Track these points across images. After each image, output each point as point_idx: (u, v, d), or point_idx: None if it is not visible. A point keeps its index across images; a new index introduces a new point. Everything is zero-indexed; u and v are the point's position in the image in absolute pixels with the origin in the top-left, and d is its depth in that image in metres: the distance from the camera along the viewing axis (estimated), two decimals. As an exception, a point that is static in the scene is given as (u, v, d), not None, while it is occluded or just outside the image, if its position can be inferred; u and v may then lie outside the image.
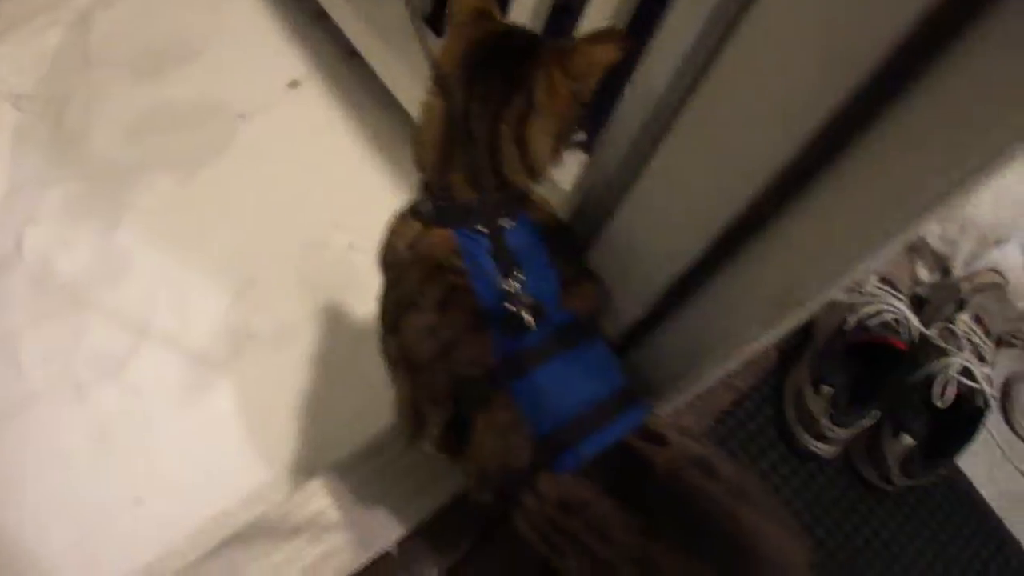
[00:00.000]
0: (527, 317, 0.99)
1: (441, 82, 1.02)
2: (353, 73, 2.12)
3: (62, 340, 1.81)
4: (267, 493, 1.66)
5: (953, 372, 1.68)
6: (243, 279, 1.87)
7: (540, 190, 1.13)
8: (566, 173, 1.34)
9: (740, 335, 1.04)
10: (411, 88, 1.81)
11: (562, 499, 0.99)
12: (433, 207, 1.06)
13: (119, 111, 2.08)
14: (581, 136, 1.68)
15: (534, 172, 1.06)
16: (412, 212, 1.11)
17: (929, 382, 1.70)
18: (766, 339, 1.04)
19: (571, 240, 1.19)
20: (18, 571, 1.62)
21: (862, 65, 0.70)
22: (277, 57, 2.15)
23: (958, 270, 1.92)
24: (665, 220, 1.06)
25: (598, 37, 1.01)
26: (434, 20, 1.75)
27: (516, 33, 1.06)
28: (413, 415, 1.15)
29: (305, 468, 1.68)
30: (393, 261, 1.12)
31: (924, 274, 1.94)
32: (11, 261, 1.89)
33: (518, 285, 0.99)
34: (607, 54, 1.00)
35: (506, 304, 0.99)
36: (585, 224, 1.21)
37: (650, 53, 0.97)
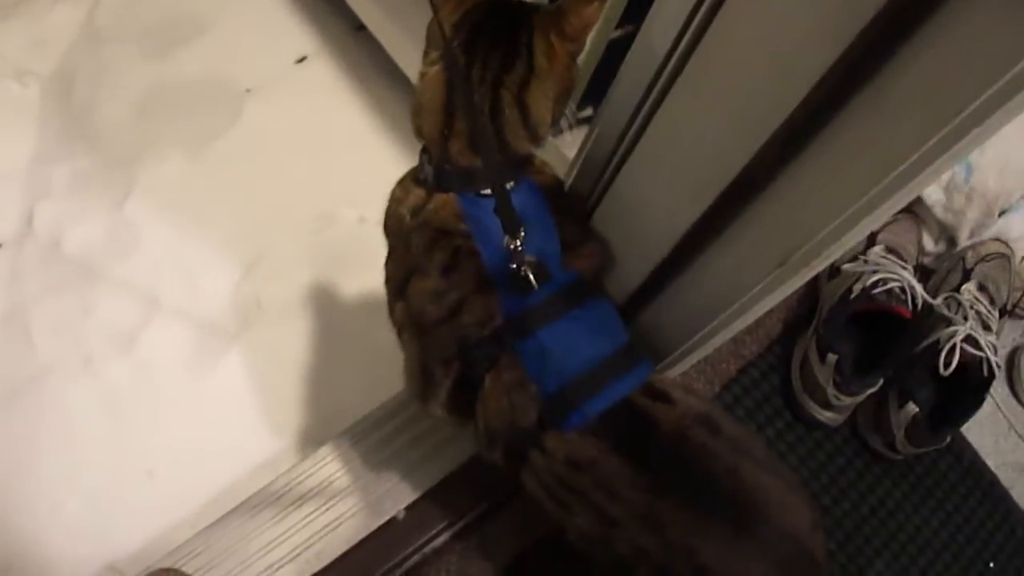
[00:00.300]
0: (531, 276, 1.00)
1: (440, 50, 1.03)
2: (361, 47, 2.13)
3: (72, 314, 1.82)
4: (277, 463, 1.67)
5: (958, 340, 1.69)
6: (252, 253, 1.88)
7: (544, 156, 1.14)
8: (572, 147, 1.35)
9: (744, 297, 1.04)
10: (418, 62, 1.82)
11: (570, 457, 1.01)
12: (435, 173, 1.07)
13: (127, 87, 2.09)
14: (588, 113, 1.69)
15: (536, 136, 1.07)
16: (414, 179, 1.13)
17: (934, 351, 1.70)
18: (770, 302, 1.04)
19: (573, 202, 1.22)
20: (32, 543, 1.63)
21: (856, 23, 0.71)
22: (284, 32, 2.15)
23: (963, 240, 1.92)
24: (667, 182, 1.07)
25: None
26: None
27: (505, 1, 1.06)
28: (422, 377, 1.15)
29: (314, 438, 1.70)
30: (397, 228, 1.13)
31: (930, 244, 1.94)
32: (22, 236, 1.90)
33: (522, 245, 1.00)
34: (598, 12, 1.01)
35: (511, 264, 1.00)
36: (588, 189, 1.22)
37: (651, 15, 0.97)
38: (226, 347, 1.79)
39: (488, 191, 1.04)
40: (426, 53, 1.08)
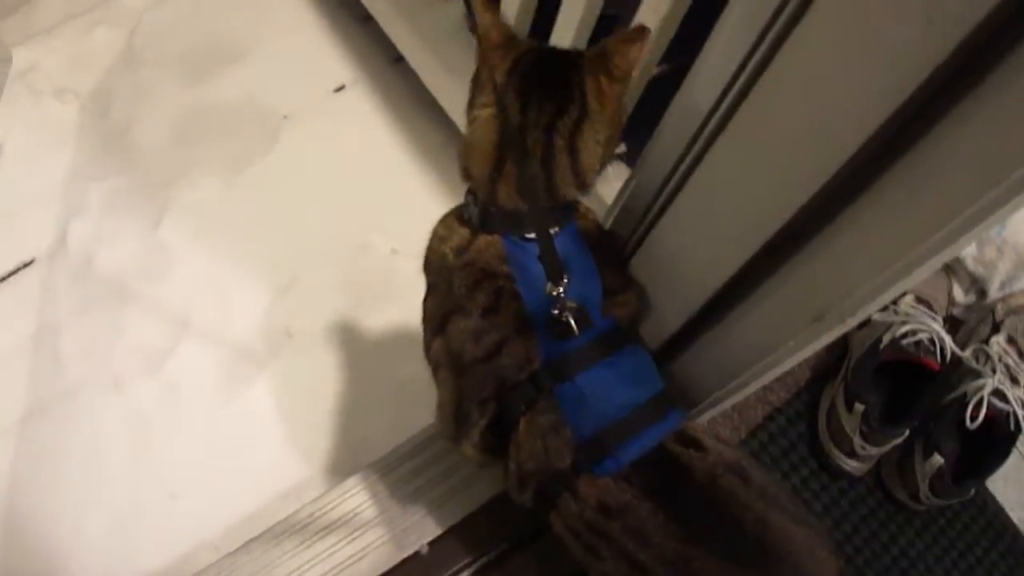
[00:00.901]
0: (572, 323, 1.01)
1: (492, 95, 1.05)
2: (398, 78, 2.14)
3: (102, 334, 1.84)
4: (301, 492, 1.67)
5: (986, 394, 1.68)
6: (284, 279, 1.89)
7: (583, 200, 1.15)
8: (608, 187, 1.36)
9: (778, 349, 1.05)
10: (455, 95, 1.82)
11: (602, 502, 1.01)
12: (481, 215, 1.08)
13: (165, 109, 2.11)
14: (622, 148, 1.70)
15: (583, 183, 1.08)
16: (458, 218, 1.13)
17: (962, 403, 1.69)
18: (803, 355, 1.04)
19: (615, 249, 1.22)
20: (53, 559, 1.64)
21: (906, 88, 0.71)
22: (323, 60, 2.17)
23: (994, 292, 1.91)
24: (705, 236, 1.07)
25: (628, 38, 1.04)
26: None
27: (550, 49, 1.10)
28: (456, 417, 1.15)
29: (340, 468, 1.70)
30: (439, 266, 1.13)
31: (960, 295, 1.93)
32: (55, 254, 1.92)
33: (565, 292, 1.01)
34: (641, 51, 1.04)
35: (553, 310, 1.01)
36: (625, 236, 1.22)
37: (696, 70, 0.98)
38: (254, 373, 1.80)
39: (532, 235, 1.05)
40: (474, 98, 1.10)
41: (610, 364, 1.06)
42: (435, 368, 1.18)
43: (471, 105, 1.10)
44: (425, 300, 1.19)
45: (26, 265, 1.91)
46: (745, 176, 0.97)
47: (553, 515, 1.08)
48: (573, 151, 1.04)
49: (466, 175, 1.10)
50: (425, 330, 1.19)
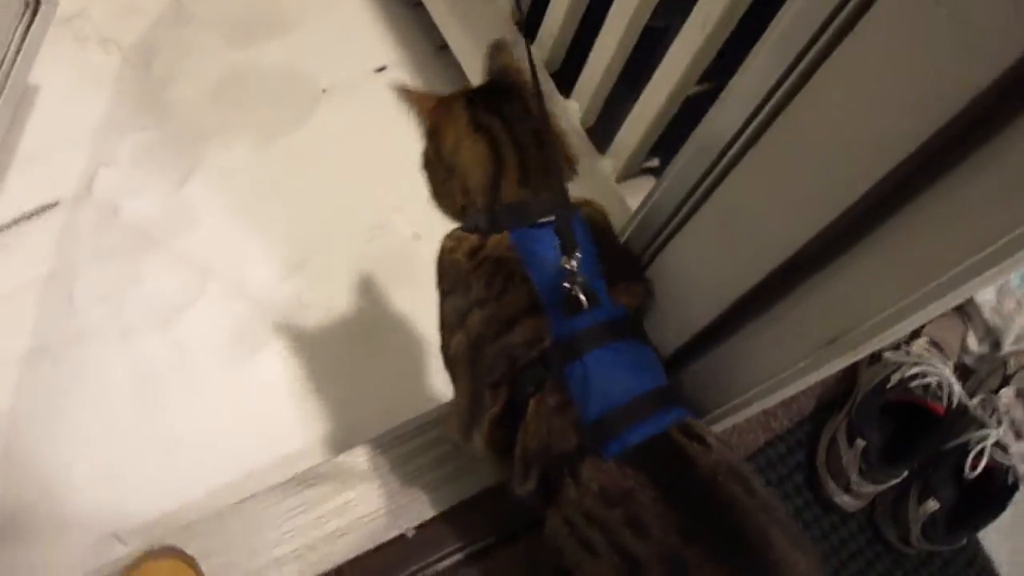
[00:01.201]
0: (582, 296, 1.04)
1: (468, 125, 1.15)
2: (440, 66, 2.14)
3: (117, 283, 1.85)
4: (295, 460, 1.67)
5: (988, 445, 1.67)
6: (304, 251, 1.90)
7: (606, 205, 1.16)
8: (636, 198, 1.37)
9: (787, 369, 1.05)
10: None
11: (604, 488, 1.01)
12: (488, 218, 1.13)
13: (206, 69, 2.12)
14: (655, 163, 1.70)
15: (572, 164, 1.18)
16: (463, 230, 1.18)
17: (963, 451, 1.69)
18: (809, 380, 1.05)
19: (617, 238, 1.25)
20: (43, 498, 1.65)
21: (935, 121, 0.71)
22: (369, 40, 2.17)
23: (1008, 344, 1.91)
24: (722, 252, 1.08)
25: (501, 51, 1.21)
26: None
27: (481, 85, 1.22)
28: (471, 407, 1.18)
29: (337, 442, 1.71)
30: (454, 272, 1.17)
31: (974, 343, 1.93)
32: (81, 198, 1.93)
33: (578, 265, 1.03)
34: (510, 57, 1.21)
35: (564, 284, 1.04)
36: (645, 245, 1.23)
37: (730, 88, 0.98)
38: (263, 339, 1.80)
39: (540, 220, 1.10)
40: (440, 146, 1.18)
41: (618, 349, 1.08)
42: (452, 367, 1.21)
43: (437, 157, 1.19)
44: (442, 306, 1.22)
45: (50, 207, 1.92)
46: (766, 197, 0.97)
47: (550, 511, 1.08)
48: (554, 136, 1.14)
49: (455, 207, 1.18)
50: (443, 334, 1.22)
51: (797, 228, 0.91)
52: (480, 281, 1.12)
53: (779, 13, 0.86)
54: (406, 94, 1.20)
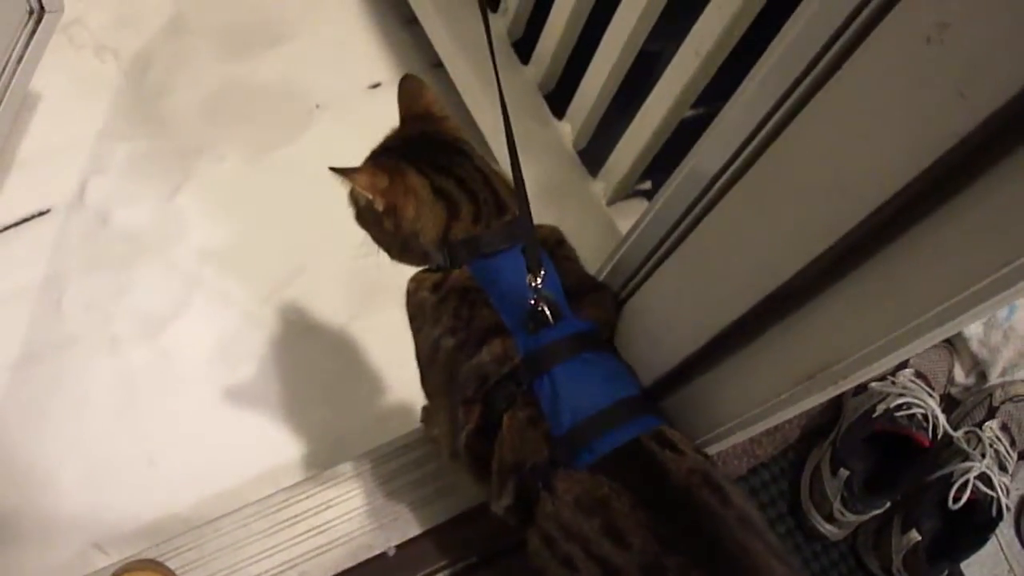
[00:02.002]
0: (547, 311, 1.08)
1: (433, 185, 1.18)
2: (435, 85, 2.13)
3: (106, 292, 1.85)
4: (278, 476, 1.68)
5: (972, 477, 1.68)
6: (292, 266, 1.90)
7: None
8: (626, 220, 1.37)
9: (768, 404, 1.05)
10: (488, 108, 1.83)
11: (579, 498, 1.03)
12: (447, 256, 1.18)
13: (201, 80, 2.12)
14: (647, 186, 1.71)
15: (512, 193, 1.18)
16: (424, 271, 1.24)
17: (946, 483, 1.69)
18: (793, 411, 1.05)
19: (572, 253, 1.28)
20: (25, 505, 1.65)
21: (921, 161, 0.71)
22: (364, 56, 2.17)
23: (994, 377, 1.91)
24: (706, 283, 1.08)
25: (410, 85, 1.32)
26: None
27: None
28: (452, 433, 1.20)
29: (319, 460, 1.71)
30: (422, 309, 1.22)
31: (960, 375, 1.93)
32: (72, 206, 1.93)
33: (542, 282, 1.08)
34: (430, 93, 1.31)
35: (530, 300, 1.09)
36: (630, 274, 1.23)
37: (720, 119, 0.99)
38: (250, 352, 1.80)
39: (494, 249, 1.16)
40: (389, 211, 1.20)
41: (586, 361, 1.11)
42: (432, 397, 1.26)
43: (397, 228, 1.21)
44: (416, 343, 1.26)
45: (42, 213, 1.92)
46: (751, 232, 0.97)
47: (530, 531, 1.08)
48: (490, 168, 1.22)
49: (417, 257, 1.23)
50: (420, 367, 1.27)
51: (781, 263, 0.91)
52: (448, 311, 1.16)
53: (768, 48, 0.86)
54: (346, 174, 1.19)
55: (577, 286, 1.19)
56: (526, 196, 1.09)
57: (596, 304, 1.21)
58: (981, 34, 0.64)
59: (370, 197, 1.18)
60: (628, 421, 1.07)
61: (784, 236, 0.91)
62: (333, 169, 1.18)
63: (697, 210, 1.04)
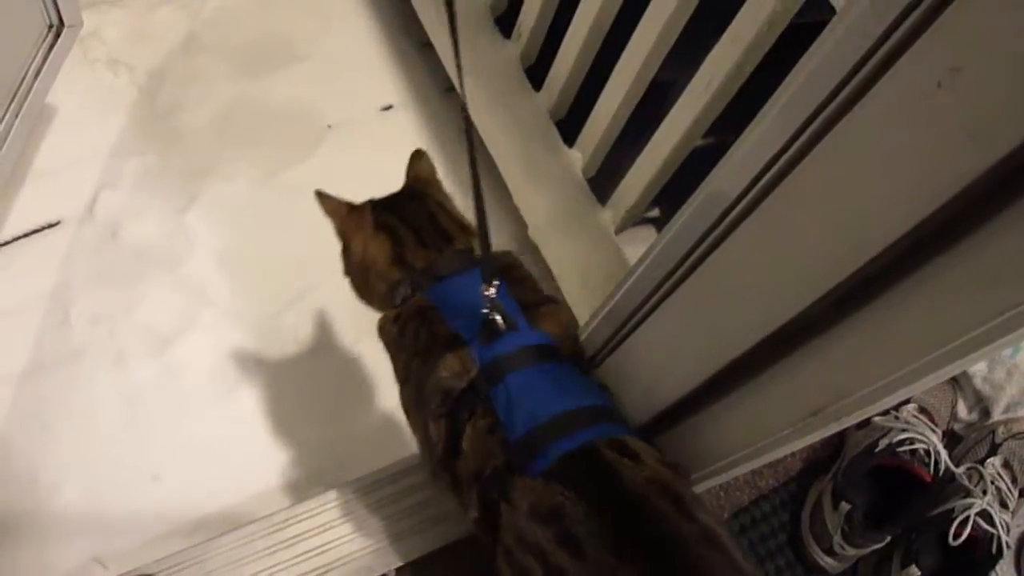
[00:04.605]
0: (499, 319, 1.16)
1: (371, 227, 1.34)
2: (446, 108, 2.16)
3: (113, 307, 1.85)
4: (279, 496, 1.68)
5: (973, 513, 1.67)
6: (299, 287, 1.90)
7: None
8: (635, 248, 1.38)
9: (770, 439, 1.05)
10: (499, 133, 1.84)
11: (534, 506, 1.04)
12: (409, 286, 1.28)
13: (214, 98, 2.13)
14: (655, 213, 1.71)
15: (463, 227, 1.35)
16: (391, 309, 1.33)
17: (947, 519, 1.69)
18: (795, 446, 1.05)
19: (524, 273, 1.36)
20: (27, 516, 1.66)
21: (930, 203, 0.72)
22: (377, 78, 2.18)
23: (997, 414, 1.91)
24: (712, 318, 1.08)
25: (418, 158, 1.45)
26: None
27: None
28: (428, 451, 1.23)
29: (320, 481, 1.70)
30: (393, 340, 1.31)
31: (963, 411, 1.93)
32: (82, 220, 1.94)
33: (496, 291, 1.15)
34: (429, 164, 1.45)
35: (483, 309, 1.16)
36: (634, 306, 1.24)
37: (728, 158, 0.99)
38: (254, 371, 1.80)
39: (448, 273, 1.26)
40: (349, 245, 1.39)
41: (544, 371, 1.16)
42: (408, 418, 1.31)
43: (351, 263, 1.39)
44: (395, 370, 1.34)
45: (52, 226, 1.94)
46: (758, 268, 0.97)
47: (496, 548, 1.10)
48: (442, 208, 1.36)
49: (379, 296, 1.34)
50: (399, 388, 1.32)
51: (787, 300, 0.92)
52: (410, 335, 1.25)
53: (779, 89, 0.87)
54: (322, 199, 1.38)
55: (533, 302, 1.26)
56: (482, 205, 1.13)
57: (552, 318, 1.27)
58: (992, 80, 0.65)
59: (332, 223, 1.39)
60: (585, 428, 1.09)
61: (791, 274, 0.92)
62: (317, 192, 1.38)
63: (704, 246, 1.04)
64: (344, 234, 1.39)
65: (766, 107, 0.89)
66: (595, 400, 1.16)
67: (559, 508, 1.02)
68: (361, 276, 1.37)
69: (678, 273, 1.11)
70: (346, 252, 1.39)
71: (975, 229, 0.71)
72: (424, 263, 1.28)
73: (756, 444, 1.08)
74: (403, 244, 1.30)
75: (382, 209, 1.35)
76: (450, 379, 1.17)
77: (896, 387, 0.86)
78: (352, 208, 1.37)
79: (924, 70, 0.69)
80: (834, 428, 0.97)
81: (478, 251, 1.27)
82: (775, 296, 0.94)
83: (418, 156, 1.45)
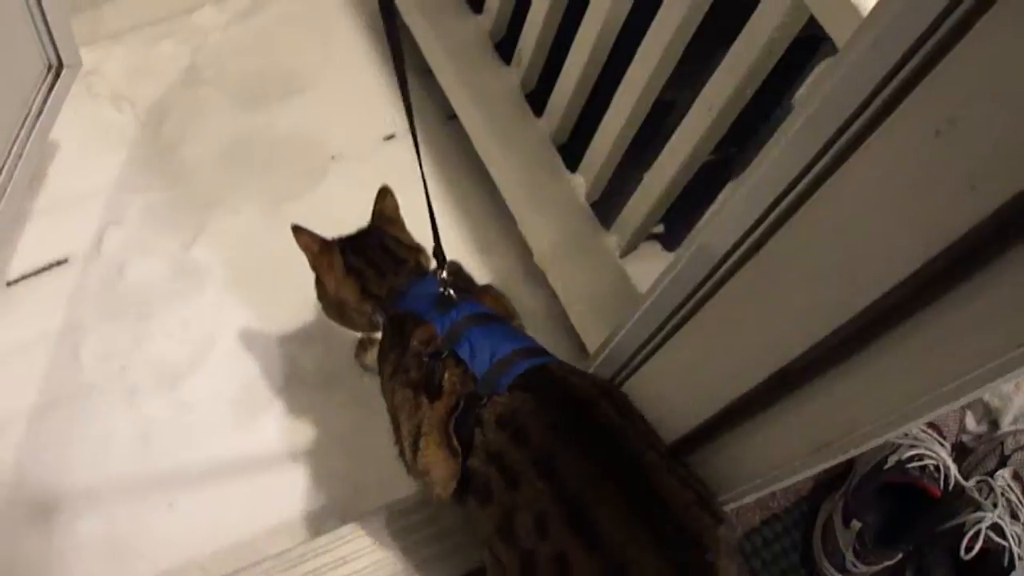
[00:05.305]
0: (452, 292, 1.41)
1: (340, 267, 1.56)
2: (449, 137, 2.15)
3: (123, 342, 1.86)
4: (294, 529, 1.69)
5: (984, 527, 1.67)
6: (309, 317, 1.90)
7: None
8: (643, 275, 1.40)
9: (777, 469, 1.06)
10: (501, 160, 1.85)
11: (500, 416, 1.27)
12: (384, 309, 1.52)
13: (217, 131, 2.14)
14: (659, 229, 1.72)
15: (416, 249, 1.59)
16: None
17: (958, 533, 1.69)
18: (803, 475, 1.06)
19: (467, 275, 1.61)
20: (43, 549, 1.67)
21: (934, 246, 0.73)
22: (378, 108, 2.18)
23: (1006, 425, 1.91)
24: (719, 356, 1.10)
25: (382, 197, 1.64)
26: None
27: (355, 233, 1.62)
28: (412, 434, 1.41)
29: (338, 511, 1.71)
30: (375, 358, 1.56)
31: (972, 423, 1.93)
32: (90, 257, 1.95)
33: (449, 276, 1.42)
34: (393, 200, 1.65)
35: (439, 288, 1.42)
36: (643, 340, 1.25)
37: (722, 210, 1.00)
38: (266, 405, 1.81)
39: (407, 288, 1.50)
40: (322, 283, 1.62)
41: (491, 327, 1.40)
42: (398, 414, 1.46)
43: (325, 295, 1.62)
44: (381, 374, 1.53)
45: (60, 263, 1.95)
46: (762, 309, 0.99)
47: (468, 489, 1.33)
48: (396, 240, 1.58)
49: (361, 322, 1.60)
50: (385, 395, 1.52)
51: (792, 340, 0.93)
52: (386, 340, 1.51)
53: (777, 133, 0.88)
54: (297, 232, 1.57)
55: (475, 291, 1.55)
56: (427, 191, 1.42)
57: (494, 299, 1.55)
58: (990, 129, 0.66)
59: (306, 256, 1.58)
60: (536, 357, 1.33)
61: (795, 315, 0.93)
62: (293, 226, 1.56)
63: (708, 286, 1.05)
64: (316, 268, 1.60)
65: (765, 152, 0.91)
66: (534, 345, 1.40)
67: (517, 409, 1.26)
68: (338, 309, 1.61)
69: (681, 314, 1.12)
70: (319, 283, 1.62)
71: (976, 272, 0.72)
72: (386, 290, 1.51)
73: (767, 474, 1.10)
74: (367, 280, 1.53)
75: (350, 251, 1.56)
76: (422, 346, 1.39)
77: (904, 420, 0.87)
78: (323, 245, 1.57)
79: (922, 119, 0.70)
80: (844, 458, 0.98)
81: (426, 266, 1.57)
82: (779, 337, 0.96)
83: (383, 194, 1.65)
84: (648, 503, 1.12)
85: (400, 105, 1.76)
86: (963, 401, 0.81)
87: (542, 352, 1.37)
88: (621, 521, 1.10)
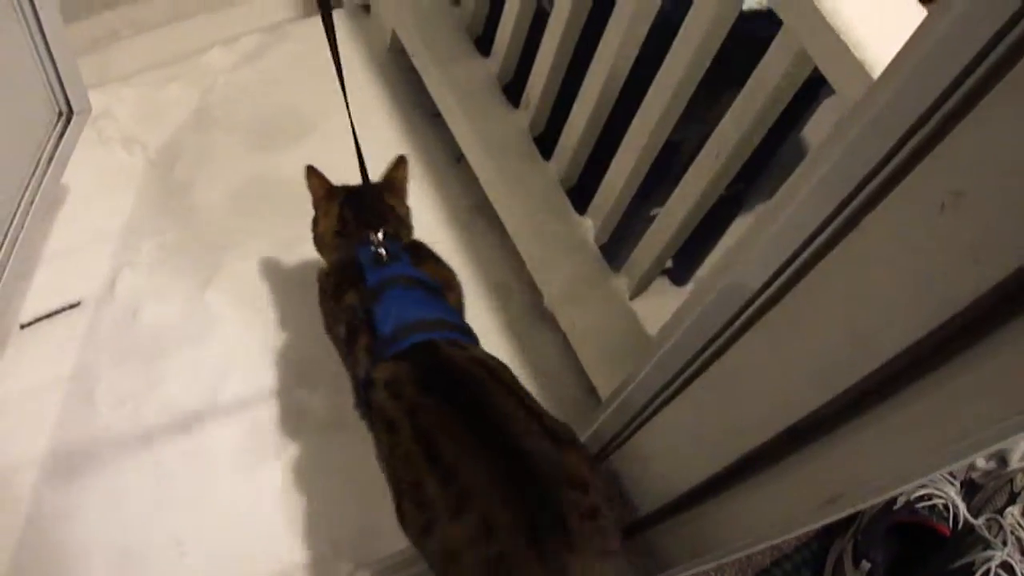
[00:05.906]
0: (382, 251, 1.57)
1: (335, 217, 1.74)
2: (457, 178, 2.17)
3: (137, 386, 1.87)
4: (306, 572, 1.69)
5: (993, 565, 1.68)
6: (321, 361, 1.90)
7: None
8: (651, 311, 1.41)
9: (787, 521, 1.07)
10: (510, 201, 1.87)
11: (387, 381, 1.41)
12: (343, 254, 1.68)
13: (228, 173, 2.16)
14: (668, 264, 1.74)
15: (402, 222, 1.75)
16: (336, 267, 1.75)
17: (968, 572, 1.69)
18: (812, 527, 1.07)
19: (427, 252, 1.75)
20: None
21: (941, 313, 0.74)
22: (388, 149, 2.16)
23: (1015, 461, 1.91)
24: (728, 411, 1.11)
25: (398, 166, 1.81)
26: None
27: (358, 186, 1.74)
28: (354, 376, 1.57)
29: (343, 554, 1.72)
30: (323, 297, 1.73)
31: (981, 460, 1.94)
32: (103, 299, 1.96)
33: (383, 237, 1.60)
34: (405, 170, 1.81)
35: (371, 247, 1.58)
36: (653, 393, 1.26)
37: (728, 274, 1.01)
38: (279, 448, 1.82)
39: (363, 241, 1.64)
40: (317, 220, 1.80)
41: (414, 292, 1.53)
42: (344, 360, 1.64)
43: (316, 227, 1.79)
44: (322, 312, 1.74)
45: (72, 306, 1.96)
46: (769, 370, 1.00)
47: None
48: (390, 207, 1.74)
49: (329, 254, 1.76)
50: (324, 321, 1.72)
51: (799, 400, 0.94)
52: (333, 279, 1.67)
53: (781, 202, 0.89)
54: (310, 174, 1.78)
55: (421, 258, 1.68)
56: (363, 161, 1.68)
57: (436, 269, 1.70)
58: (994, 203, 0.67)
59: (312, 196, 1.78)
60: (437, 331, 1.45)
61: (801, 376, 0.94)
62: (308, 167, 1.78)
63: (714, 347, 1.06)
64: (316, 208, 1.79)
65: (770, 219, 0.92)
66: (453, 318, 1.53)
67: (397, 375, 1.40)
68: (319, 241, 1.77)
69: (688, 372, 1.13)
70: (315, 218, 1.79)
71: (980, 340, 0.73)
72: (356, 239, 1.64)
73: (775, 527, 1.10)
74: (347, 224, 1.70)
75: (347, 204, 1.73)
76: (355, 303, 1.55)
77: (912, 476, 0.88)
78: (328, 192, 1.77)
79: (926, 193, 0.71)
80: (850, 511, 0.99)
81: (400, 236, 1.71)
82: (786, 397, 0.97)
83: (399, 164, 1.81)
84: (498, 441, 1.26)
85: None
86: (971, 459, 0.82)
87: (445, 325, 1.49)
88: (467, 455, 1.26)
